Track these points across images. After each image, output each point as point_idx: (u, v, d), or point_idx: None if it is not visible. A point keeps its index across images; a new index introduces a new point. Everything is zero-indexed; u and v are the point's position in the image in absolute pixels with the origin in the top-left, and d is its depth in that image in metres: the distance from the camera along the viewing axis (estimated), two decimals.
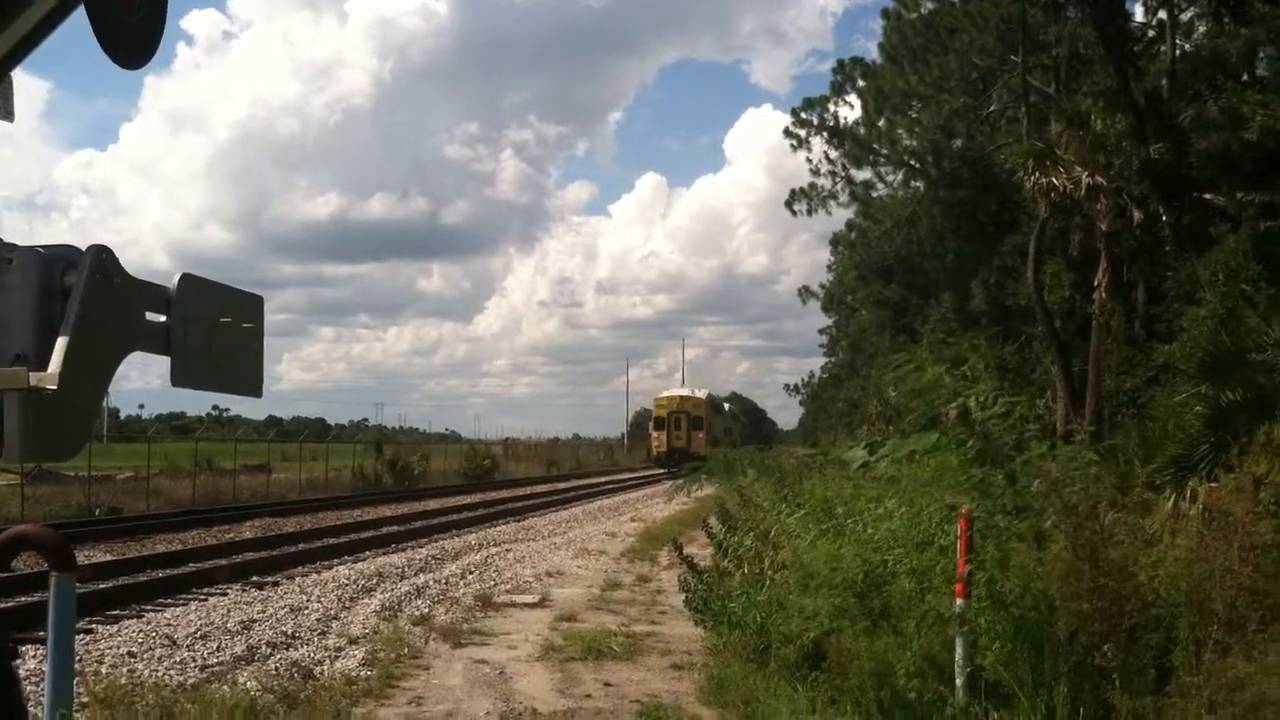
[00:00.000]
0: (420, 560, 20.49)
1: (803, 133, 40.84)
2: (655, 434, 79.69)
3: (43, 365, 2.78)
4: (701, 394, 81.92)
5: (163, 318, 3.15)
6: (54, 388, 2.75)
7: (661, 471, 66.31)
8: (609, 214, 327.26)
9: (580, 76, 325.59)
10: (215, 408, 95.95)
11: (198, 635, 12.76)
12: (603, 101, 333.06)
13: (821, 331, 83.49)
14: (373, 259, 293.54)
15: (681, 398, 78.97)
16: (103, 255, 2.96)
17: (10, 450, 2.92)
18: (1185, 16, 30.20)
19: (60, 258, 2.94)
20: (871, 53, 47.54)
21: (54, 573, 3.96)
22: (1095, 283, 23.70)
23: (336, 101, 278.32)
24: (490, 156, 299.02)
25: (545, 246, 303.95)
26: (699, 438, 71.46)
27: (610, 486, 54.41)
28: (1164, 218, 24.72)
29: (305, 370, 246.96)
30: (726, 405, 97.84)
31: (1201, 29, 30.28)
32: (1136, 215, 24.22)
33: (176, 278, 3.21)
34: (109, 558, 20.47)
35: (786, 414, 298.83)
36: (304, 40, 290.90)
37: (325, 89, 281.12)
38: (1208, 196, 24.29)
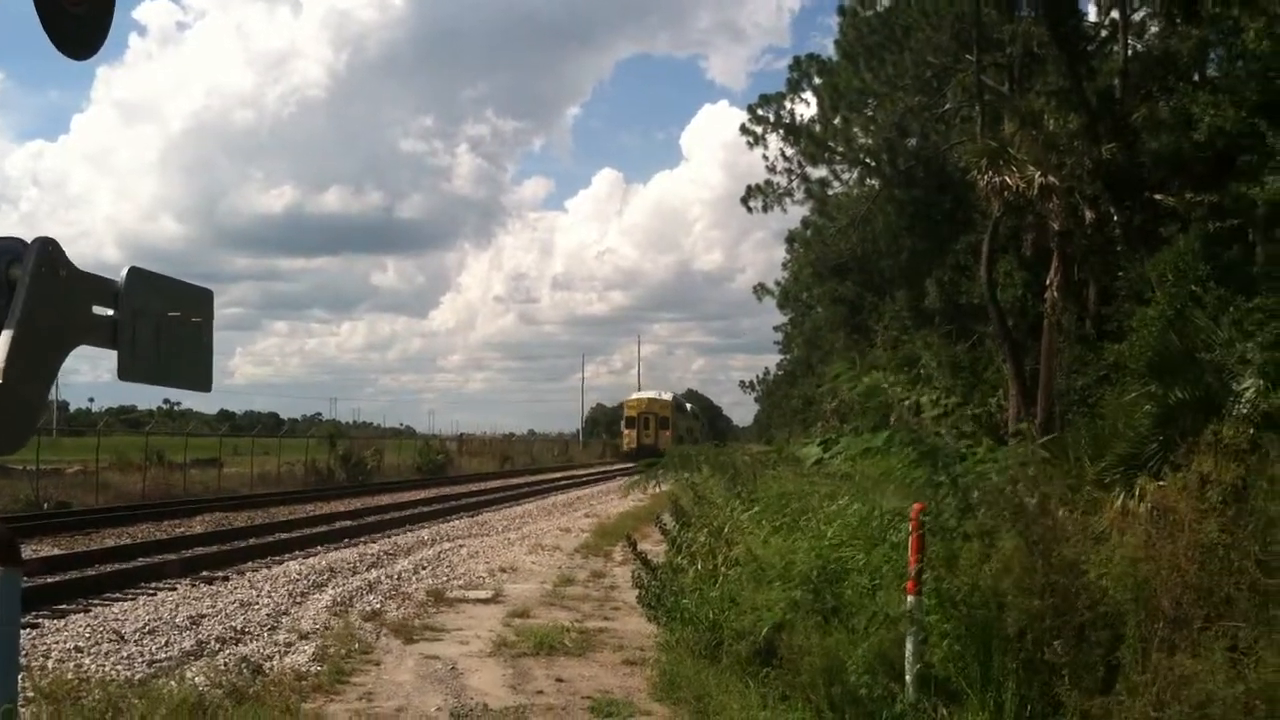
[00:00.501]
0: (373, 555, 20.40)
1: (759, 129, 41.11)
2: (627, 432, 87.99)
3: None
4: (667, 396, 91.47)
5: (110, 311, 3.11)
6: None
7: (632, 465, 67.47)
8: (565, 210, 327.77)
9: (537, 71, 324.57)
10: (166, 401, 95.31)
11: (146, 630, 12.67)
12: (560, 96, 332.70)
13: (777, 329, 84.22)
14: (327, 253, 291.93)
15: (649, 400, 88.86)
16: (49, 248, 2.92)
17: None
18: (1137, 16, 30.49)
19: (5, 250, 2.89)
20: (828, 50, 47.75)
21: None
22: (1047, 282, 23.93)
23: (291, 93, 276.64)
24: (446, 151, 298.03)
25: (501, 242, 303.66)
26: (665, 435, 79.92)
27: (565, 482, 54.37)
28: (1115, 218, 24.99)
29: (258, 365, 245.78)
30: (688, 406, 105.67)
31: (1153, 29, 30.56)
32: (1088, 215, 24.47)
33: (124, 271, 3.17)
34: (57, 552, 20.31)
35: (742, 410, 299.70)
36: (258, 31, 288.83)
37: (280, 80, 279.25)
38: (1158, 197, 24.56)
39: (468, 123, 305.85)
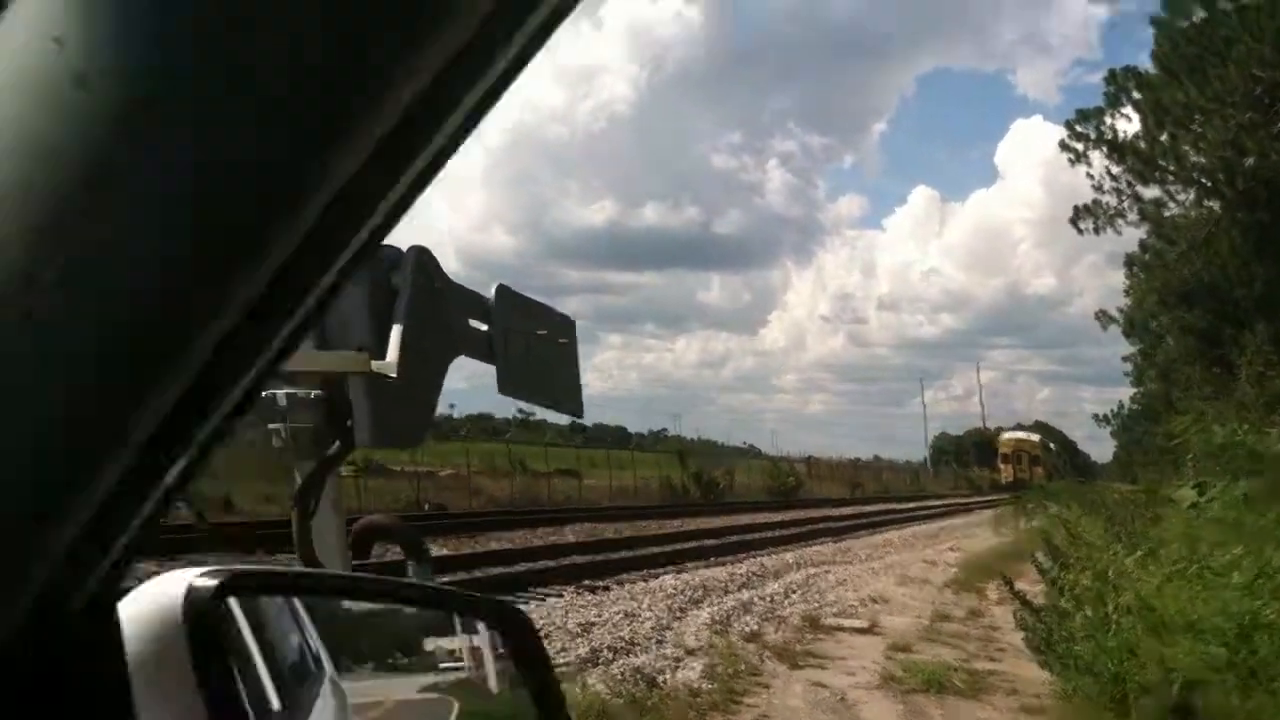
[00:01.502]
0: (742, 575, 20.64)
1: (1079, 146, 39.28)
2: (1004, 466, 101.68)
3: (381, 356, 3.04)
4: (1035, 437, 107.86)
5: (484, 326, 3.39)
6: (394, 376, 3.01)
7: (1006, 496, 67.84)
8: (883, 228, 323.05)
9: (837, 85, 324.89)
10: (520, 411, 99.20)
11: (542, 634, 13.23)
12: (863, 111, 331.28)
13: (1125, 359, 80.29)
14: (653, 267, 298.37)
15: (1019, 439, 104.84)
16: (423, 257, 3.21)
17: (362, 436, 3.20)
18: None
19: (385, 256, 3.20)
20: (1143, 62, 45.13)
21: (410, 562, 4.33)
22: None
23: (600, 108, 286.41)
24: (756, 166, 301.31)
25: (821, 260, 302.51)
26: (1037, 471, 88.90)
27: (921, 513, 53.54)
28: None
29: (600, 378, 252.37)
30: (1050, 445, 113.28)
31: None
32: None
33: (493, 288, 3.46)
34: (445, 552, 21.49)
35: (1097, 445, 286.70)
36: (564, 47, 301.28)
37: (589, 96, 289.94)
38: None
39: (775, 138, 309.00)
